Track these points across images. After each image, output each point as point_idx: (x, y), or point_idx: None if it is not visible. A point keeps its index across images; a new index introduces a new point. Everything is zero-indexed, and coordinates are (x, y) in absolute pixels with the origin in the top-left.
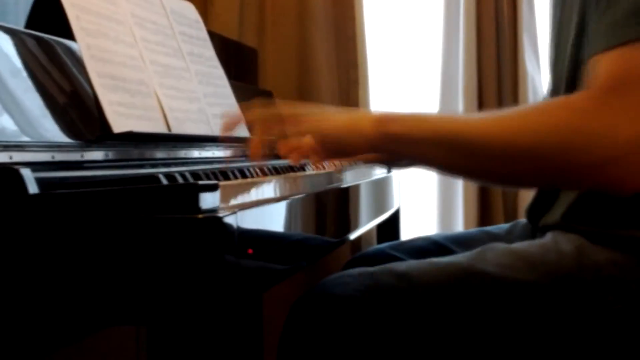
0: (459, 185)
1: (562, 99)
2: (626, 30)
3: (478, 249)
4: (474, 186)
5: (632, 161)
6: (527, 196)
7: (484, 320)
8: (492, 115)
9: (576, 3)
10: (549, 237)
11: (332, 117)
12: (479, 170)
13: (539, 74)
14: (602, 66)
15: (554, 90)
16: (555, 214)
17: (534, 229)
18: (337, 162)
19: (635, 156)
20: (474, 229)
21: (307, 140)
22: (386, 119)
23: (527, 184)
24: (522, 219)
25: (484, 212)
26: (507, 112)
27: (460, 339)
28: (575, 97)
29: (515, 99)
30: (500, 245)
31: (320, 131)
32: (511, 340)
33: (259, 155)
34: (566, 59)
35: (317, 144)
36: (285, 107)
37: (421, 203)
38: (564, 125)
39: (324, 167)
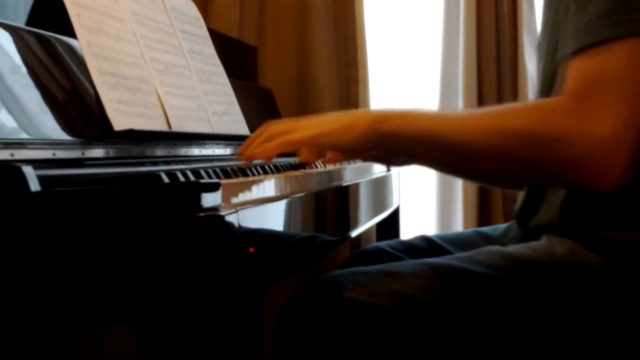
0: (458, 184)
1: (538, 101)
2: (593, 33)
3: (472, 251)
4: (473, 186)
5: (601, 159)
6: None
7: (474, 320)
8: (472, 115)
9: (562, 3)
10: (543, 240)
11: (330, 120)
12: (463, 169)
13: None
14: (573, 69)
15: (541, 90)
16: (543, 215)
17: (526, 232)
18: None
19: (604, 154)
20: (469, 230)
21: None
22: (382, 118)
23: (504, 182)
24: None
25: (483, 211)
26: (486, 112)
27: (450, 338)
28: (551, 100)
29: (514, 96)
30: (494, 248)
31: (321, 134)
32: (502, 339)
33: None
34: (548, 60)
35: (318, 147)
36: (282, 122)
37: (421, 202)
38: (539, 127)
39: (323, 166)
